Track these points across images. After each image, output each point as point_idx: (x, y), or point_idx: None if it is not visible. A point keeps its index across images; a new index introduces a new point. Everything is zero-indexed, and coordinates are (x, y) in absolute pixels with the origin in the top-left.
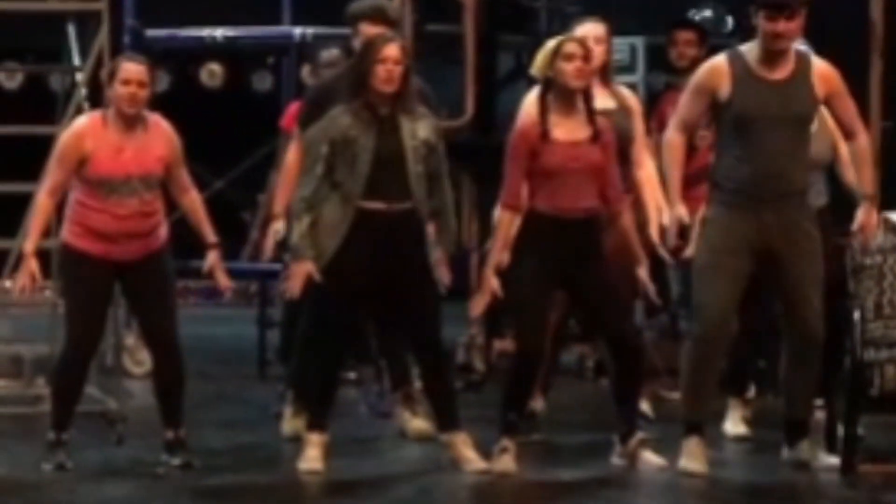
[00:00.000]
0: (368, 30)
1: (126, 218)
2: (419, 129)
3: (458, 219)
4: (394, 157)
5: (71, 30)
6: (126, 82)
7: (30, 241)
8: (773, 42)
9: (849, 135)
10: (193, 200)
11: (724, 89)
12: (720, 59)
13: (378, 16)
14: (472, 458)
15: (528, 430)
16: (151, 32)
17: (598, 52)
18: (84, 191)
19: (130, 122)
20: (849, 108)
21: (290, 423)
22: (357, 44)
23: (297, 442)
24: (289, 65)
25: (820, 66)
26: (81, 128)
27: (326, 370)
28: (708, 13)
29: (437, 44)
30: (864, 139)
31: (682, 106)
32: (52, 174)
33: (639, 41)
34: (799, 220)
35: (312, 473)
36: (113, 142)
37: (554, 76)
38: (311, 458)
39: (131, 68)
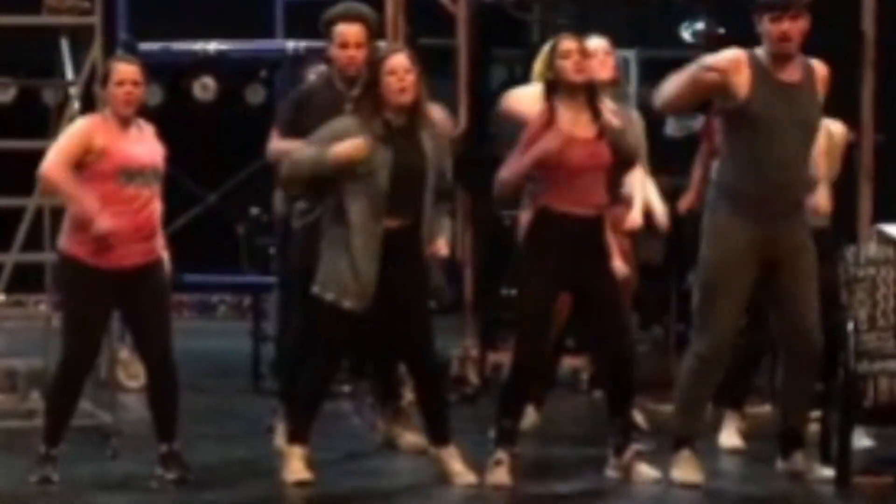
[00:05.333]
0: (345, 29)
1: (139, 210)
2: (437, 144)
3: (452, 232)
4: (412, 172)
5: (64, 44)
6: (121, 83)
7: (84, 200)
8: (779, 44)
9: None
10: None
11: (742, 88)
12: (741, 54)
13: (353, 15)
14: (461, 471)
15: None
16: (144, 46)
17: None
18: (98, 190)
19: (126, 123)
20: None
21: (284, 437)
22: (333, 49)
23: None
24: (282, 78)
25: (820, 69)
26: (88, 125)
27: (318, 384)
28: (701, 25)
29: (431, 57)
30: None
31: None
32: (62, 150)
33: (631, 54)
34: (800, 232)
35: (302, 484)
36: (119, 136)
37: (555, 76)
38: (297, 469)
39: (124, 69)
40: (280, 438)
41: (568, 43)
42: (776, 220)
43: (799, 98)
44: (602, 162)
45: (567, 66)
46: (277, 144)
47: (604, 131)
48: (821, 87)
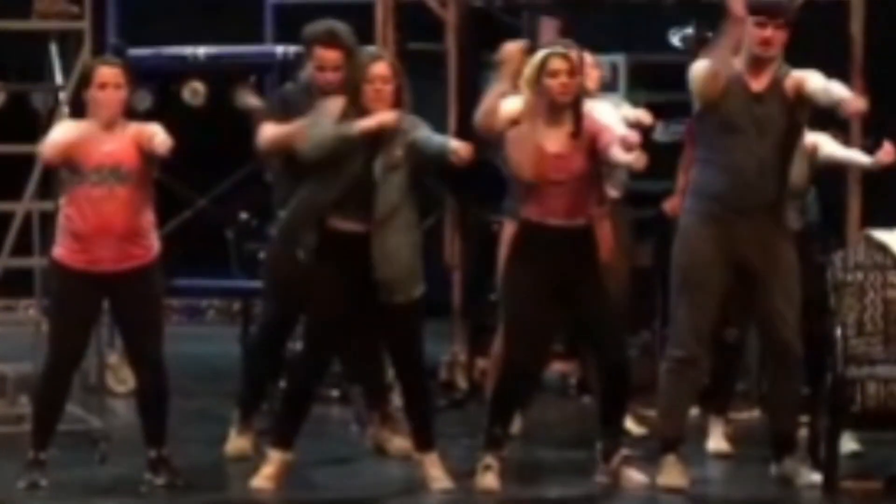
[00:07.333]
0: (323, 54)
1: (97, 209)
2: (396, 149)
3: (440, 237)
4: (366, 178)
5: (53, 49)
6: (102, 86)
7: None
8: (760, 49)
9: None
10: None
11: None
12: None
13: (332, 40)
14: (438, 477)
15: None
16: (134, 51)
17: None
18: (64, 190)
19: (110, 126)
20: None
21: (235, 442)
22: (310, 69)
23: (244, 462)
24: (271, 83)
25: (790, 75)
26: (72, 122)
27: (306, 389)
28: (690, 31)
29: (420, 62)
30: None
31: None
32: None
33: (620, 59)
34: (774, 234)
35: (261, 491)
36: (93, 136)
37: (540, 91)
38: (264, 475)
39: (106, 71)
40: (231, 444)
41: (557, 63)
42: (745, 221)
43: (764, 103)
44: (577, 174)
45: (553, 85)
46: (269, 129)
47: (580, 135)
48: (791, 88)
